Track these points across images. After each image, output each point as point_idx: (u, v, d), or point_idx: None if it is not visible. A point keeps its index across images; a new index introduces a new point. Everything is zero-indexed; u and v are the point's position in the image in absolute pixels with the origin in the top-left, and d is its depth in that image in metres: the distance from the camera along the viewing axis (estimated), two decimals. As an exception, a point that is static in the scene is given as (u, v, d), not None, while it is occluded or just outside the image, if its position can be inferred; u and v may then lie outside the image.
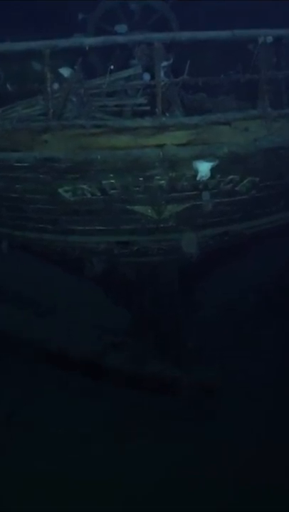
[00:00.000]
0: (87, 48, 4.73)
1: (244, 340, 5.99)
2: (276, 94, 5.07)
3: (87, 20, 6.53)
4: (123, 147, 4.68)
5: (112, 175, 4.74)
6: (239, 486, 4.55)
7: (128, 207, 4.95)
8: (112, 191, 4.85)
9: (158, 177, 4.75)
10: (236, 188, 4.97)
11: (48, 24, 6.62)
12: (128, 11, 6.56)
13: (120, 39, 5.36)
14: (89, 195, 4.88)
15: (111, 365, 5.67)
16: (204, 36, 4.74)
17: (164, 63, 4.87)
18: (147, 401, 5.37)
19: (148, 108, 4.96)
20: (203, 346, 5.74)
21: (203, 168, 4.66)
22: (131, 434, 5.06)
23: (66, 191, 4.87)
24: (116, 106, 5.10)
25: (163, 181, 4.78)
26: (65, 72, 4.96)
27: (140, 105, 5.07)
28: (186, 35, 4.77)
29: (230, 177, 4.87)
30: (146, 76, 5.14)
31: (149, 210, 4.96)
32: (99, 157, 4.63)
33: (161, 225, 5.06)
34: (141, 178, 4.75)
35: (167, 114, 4.88)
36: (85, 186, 4.83)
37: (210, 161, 4.65)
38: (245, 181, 4.94)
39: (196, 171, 4.68)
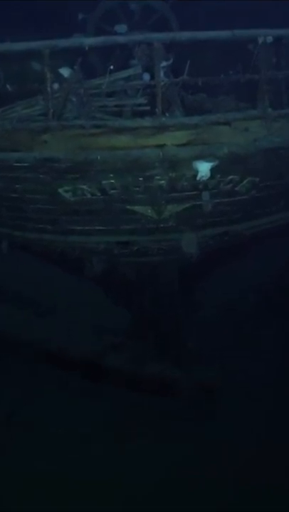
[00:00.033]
0: (87, 48, 4.72)
1: (244, 340, 6.00)
2: (276, 94, 5.06)
3: (87, 20, 6.53)
4: (123, 147, 4.68)
5: (112, 175, 4.74)
6: (239, 486, 4.55)
7: (128, 207, 4.95)
8: (112, 191, 4.86)
9: (158, 177, 4.75)
10: (236, 188, 4.97)
11: (48, 24, 6.61)
12: (128, 11, 6.55)
13: (120, 39, 5.36)
14: (89, 195, 4.88)
15: (111, 366, 5.67)
16: (204, 36, 4.74)
17: (164, 63, 4.86)
18: (147, 401, 5.38)
19: (148, 108, 4.95)
20: (203, 346, 5.74)
21: (203, 168, 4.67)
22: (131, 434, 5.06)
23: (66, 191, 4.87)
24: (116, 106, 5.08)
25: (163, 181, 4.78)
26: (64, 72, 4.95)
27: (140, 105, 5.05)
28: (186, 35, 4.77)
29: (230, 177, 4.87)
30: (146, 76, 5.14)
31: (149, 210, 4.96)
32: (99, 157, 4.63)
33: (161, 225, 5.06)
34: (141, 178, 4.75)
35: (167, 114, 4.87)
36: (84, 186, 4.83)
37: (210, 161, 4.66)
38: (245, 181, 4.94)
39: (196, 171, 4.68)
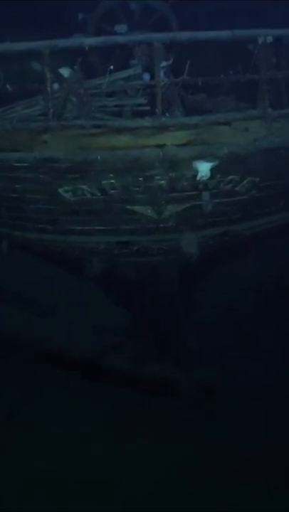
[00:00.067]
0: (87, 48, 4.72)
1: (244, 340, 6.00)
2: (276, 94, 5.06)
3: (87, 20, 6.53)
4: (123, 147, 4.68)
5: (112, 175, 4.74)
6: (239, 486, 4.55)
7: (128, 207, 4.95)
8: (112, 191, 4.86)
9: (158, 177, 4.75)
10: (236, 188, 4.97)
11: (48, 24, 6.61)
12: (128, 11, 6.55)
13: (120, 39, 5.36)
14: (89, 195, 4.88)
15: (111, 366, 5.67)
16: (204, 36, 4.73)
17: (164, 63, 4.86)
18: (147, 401, 5.37)
19: (148, 108, 4.94)
20: (203, 346, 5.74)
21: (203, 168, 4.67)
22: (131, 434, 5.06)
23: (66, 191, 4.87)
24: (116, 106, 5.08)
25: (163, 181, 4.78)
26: (64, 72, 4.95)
27: (140, 105, 5.05)
28: (186, 35, 4.77)
29: (230, 177, 4.87)
30: (146, 76, 5.13)
31: (149, 210, 4.96)
32: (99, 157, 4.63)
33: (161, 225, 5.06)
34: (141, 178, 4.75)
35: (167, 114, 4.87)
36: (84, 186, 4.83)
37: (210, 161, 4.66)
38: (245, 181, 4.94)
39: (196, 171, 4.68)
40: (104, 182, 4.78)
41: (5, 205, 5.26)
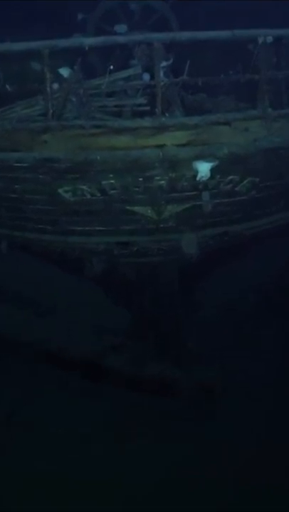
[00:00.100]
0: (86, 48, 4.71)
1: (244, 340, 6.00)
2: (276, 94, 5.06)
3: (86, 20, 6.53)
4: (123, 147, 4.67)
5: (111, 175, 4.74)
6: (239, 486, 4.55)
7: (128, 207, 4.94)
8: (112, 192, 4.85)
9: (158, 177, 4.75)
10: (236, 189, 4.97)
11: (48, 24, 6.62)
12: (128, 11, 6.55)
13: (120, 39, 5.35)
14: (89, 196, 4.88)
15: (111, 367, 5.67)
16: (204, 36, 4.73)
17: (164, 63, 4.86)
18: (147, 401, 5.37)
19: (148, 108, 4.95)
20: (203, 346, 5.74)
21: (203, 168, 4.66)
22: (131, 434, 5.06)
23: (66, 192, 4.87)
24: (116, 106, 5.08)
25: (163, 182, 4.78)
26: (64, 72, 4.95)
27: (140, 105, 5.06)
28: (186, 35, 4.76)
29: (230, 177, 4.87)
30: (146, 76, 5.13)
31: (149, 211, 4.96)
32: (98, 157, 4.63)
33: (161, 226, 5.06)
34: (141, 179, 4.75)
35: (167, 115, 4.86)
36: (84, 187, 4.83)
37: (210, 161, 4.65)
38: (245, 182, 4.94)
39: (196, 172, 4.68)
40: (104, 182, 4.78)
41: (5, 205, 5.25)
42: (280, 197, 5.34)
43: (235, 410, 5.22)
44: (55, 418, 5.22)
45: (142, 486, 4.59)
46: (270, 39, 4.81)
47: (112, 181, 4.78)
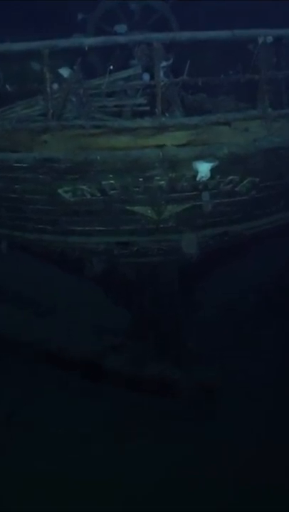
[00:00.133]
0: (86, 48, 4.71)
1: (244, 340, 5.99)
2: (276, 94, 5.06)
3: (86, 20, 6.53)
4: (123, 148, 4.67)
5: (111, 175, 4.74)
6: (239, 486, 4.55)
7: (128, 207, 4.94)
8: (112, 192, 4.85)
9: (158, 177, 4.75)
10: (236, 189, 4.97)
11: (48, 24, 6.61)
12: (128, 11, 6.55)
13: (120, 39, 5.35)
14: (88, 196, 4.88)
15: (111, 367, 5.67)
16: (204, 36, 4.72)
17: (164, 63, 4.86)
18: (147, 401, 5.37)
19: (148, 108, 4.95)
20: (203, 346, 5.73)
21: (203, 168, 4.66)
22: (131, 434, 5.06)
23: (66, 192, 4.87)
24: (115, 106, 5.08)
25: (163, 182, 4.77)
26: (64, 72, 4.95)
27: (140, 105, 5.06)
28: (186, 35, 4.76)
29: (230, 177, 4.87)
30: (146, 76, 5.13)
31: (149, 211, 4.96)
32: (98, 157, 4.63)
33: (161, 226, 5.05)
34: (141, 179, 4.75)
35: (167, 115, 4.86)
36: (84, 187, 4.83)
37: (210, 161, 4.65)
38: (245, 182, 4.94)
39: (196, 172, 4.68)
40: (104, 182, 4.78)
41: (5, 205, 5.25)
42: (280, 197, 5.34)
43: (235, 410, 5.22)
44: (55, 418, 5.21)
45: (142, 486, 4.59)
46: (270, 39, 4.81)
47: (112, 181, 4.78)
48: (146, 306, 5.72)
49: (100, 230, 5.19)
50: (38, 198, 5.00)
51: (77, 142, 4.72)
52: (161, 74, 4.75)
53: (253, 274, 6.50)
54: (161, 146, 4.65)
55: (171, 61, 5.04)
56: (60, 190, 4.86)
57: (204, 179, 4.71)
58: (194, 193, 4.89)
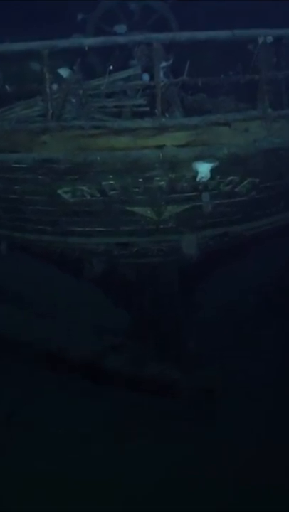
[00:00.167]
0: (86, 49, 4.71)
1: (244, 341, 5.98)
2: (276, 94, 5.05)
3: (86, 20, 6.51)
4: (122, 148, 4.67)
5: (111, 176, 4.73)
6: (239, 486, 4.55)
7: (128, 208, 4.94)
8: (112, 192, 4.85)
9: (158, 178, 4.74)
10: (236, 189, 4.96)
11: (48, 24, 6.59)
12: (128, 11, 6.53)
13: (120, 39, 5.33)
14: (88, 197, 4.87)
15: (111, 367, 5.68)
16: (204, 36, 4.71)
17: (164, 64, 4.85)
18: (147, 401, 5.36)
19: (147, 109, 4.93)
20: (203, 347, 5.73)
21: (203, 169, 4.66)
22: (131, 434, 5.06)
23: (65, 192, 4.87)
24: (115, 107, 5.07)
25: (163, 182, 4.77)
26: (64, 72, 4.95)
27: (140, 106, 5.04)
28: (185, 35, 4.75)
29: (230, 178, 4.86)
30: (146, 76, 5.12)
31: (149, 211, 4.96)
32: (98, 158, 4.63)
33: (161, 226, 5.05)
34: (140, 179, 4.74)
35: (167, 115, 4.86)
36: (84, 187, 4.83)
37: (210, 162, 4.65)
38: (245, 182, 4.93)
39: (196, 172, 4.68)
40: (103, 183, 4.78)
41: (4, 206, 5.25)
42: (280, 198, 5.33)
43: (235, 410, 5.21)
44: (55, 418, 5.21)
45: (142, 486, 4.59)
46: (270, 39, 4.80)
47: (112, 182, 4.78)
48: (146, 306, 5.71)
49: (100, 230, 5.19)
50: (38, 198, 5.00)
51: (76, 143, 4.71)
52: (161, 74, 4.74)
53: (253, 275, 6.48)
54: (161, 147, 4.64)
55: (170, 61, 5.04)
56: (59, 191, 4.86)
57: (204, 180, 4.70)
58: (194, 193, 4.88)
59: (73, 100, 4.92)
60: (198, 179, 4.69)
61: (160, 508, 4.48)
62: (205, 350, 5.70)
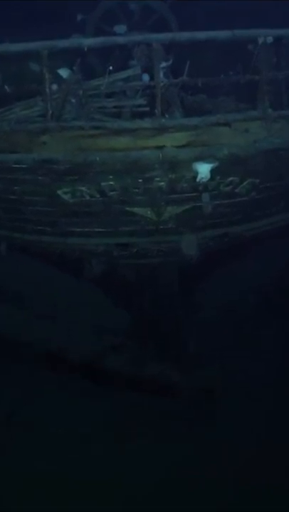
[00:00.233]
0: (86, 49, 4.70)
1: (244, 341, 5.98)
2: (276, 94, 5.04)
3: (86, 20, 6.50)
4: (122, 149, 4.66)
5: (111, 176, 4.73)
6: (239, 486, 4.56)
7: (127, 208, 4.94)
8: (112, 193, 4.84)
9: (157, 178, 4.74)
10: (236, 190, 4.95)
11: (48, 24, 6.58)
12: (127, 11, 6.52)
13: (119, 40, 5.32)
14: (88, 197, 4.87)
15: (111, 367, 5.68)
16: (204, 36, 4.70)
17: (164, 64, 4.85)
18: (147, 401, 5.37)
19: (147, 109, 4.93)
20: (203, 347, 5.73)
21: (203, 169, 4.65)
22: (131, 434, 5.06)
23: (65, 193, 4.86)
24: (115, 107, 5.07)
25: (162, 183, 4.77)
26: (63, 73, 4.94)
27: (139, 106, 5.04)
28: (185, 35, 4.74)
29: (230, 179, 4.85)
30: (146, 77, 5.12)
31: (149, 212, 4.95)
32: (98, 159, 4.62)
33: (161, 227, 5.04)
34: (140, 180, 4.74)
35: (167, 116, 4.86)
36: (84, 188, 4.82)
37: (210, 162, 4.64)
38: (245, 183, 4.93)
39: (196, 173, 4.67)
40: (103, 183, 4.77)
41: (4, 206, 5.25)
42: (280, 198, 5.32)
43: (235, 410, 5.22)
44: (55, 418, 5.21)
45: (142, 486, 4.60)
46: (270, 39, 4.79)
47: (112, 182, 4.77)
48: (146, 307, 5.71)
49: (100, 231, 5.18)
50: (38, 199, 4.99)
51: (76, 143, 4.71)
52: (161, 74, 4.73)
53: (253, 275, 6.47)
54: (160, 147, 4.64)
55: (170, 62, 5.04)
56: (59, 192, 4.85)
57: (204, 180, 4.70)
58: (194, 194, 4.88)
59: (73, 100, 4.92)
60: (198, 180, 4.69)
61: (160, 508, 4.49)
62: (205, 350, 5.70)
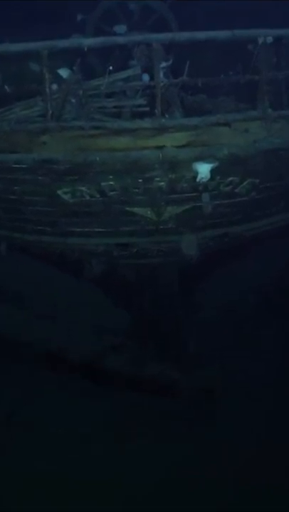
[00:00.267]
0: (86, 49, 4.70)
1: (244, 341, 5.98)
2: (276, 94, 5.05)
3: (86, 20, 6.50)
4: (122, 149, 4.67)
5: (111, 176, 4.73)
6: (239, 486, 4.56)
7: (127, 208, 4.94)
8: (112, 193, 4.84)
9: (157, 178, 4.74)
10: (236, 190, 4.95)
11: (48, 24, 6.59)
12: (127, 11, 6.52)
13: (119, 40, 5.32)
14: (88, 197, 4.87)
15: (111, 367, 5.68)
16: (204, 36, 4.70)
17: (164, 64, 4.85)
18: (147, 401, 5.37)
19: (147, 109, 4.93)
20: (203, 347, 5.73)
21: (203, 169, 4.65)
22: (131, 434, 5.06)
23: (65, 193, 4.86)
24: (115, 107, 5.07)
25: (162, 183, 4.77)
26: (63, 73, 4.95)
27: (139, 106, 5.04)
28: (185, 35, 4.74)
29: (230, 179, 4.86)
30: (146, 77, 5.12)
31: (149, 212, 4.95)
32: (98, 159, 4.63)
33: (161, 227, 5.04)
34: (140, 180, 4.74)
35: (167, 116, 4.86)
36: (84, 188, 4.82)
37: (210, 162, 4.64)
38: (245, 183, 4.93)
39: (196, 173, 4.67)
40: (103, 183, 4.77)
41: (4, 206, 5.25)
42: (280, 198, 5.32)
43: (235, 410, 5.22)
44: (55, 418, 5.21)
45: (142, 486, 4.60)
46: (270, 39, 4.79)
47: (112, 182, 4.77)
48: (146, 307, 5.71)
49: (100, 231, 5.18)
50: (37, 199, 4.99)
51: (76, 143, 4.71)
52: (161, 74, 4.74)
53: (253, 276, 6.47)
54: (160, 147, 4.64)
55: (170, 62, 5.04)
56: (59, 192, 4.85)
57: (204, 180, 4.70)
58: (194, 194, 4.88)
59: (73, 100, 4.92)
60: (198, 180, 4.69)
61: (160, 508, 4.49)
62: (205, 350, 5.69)
